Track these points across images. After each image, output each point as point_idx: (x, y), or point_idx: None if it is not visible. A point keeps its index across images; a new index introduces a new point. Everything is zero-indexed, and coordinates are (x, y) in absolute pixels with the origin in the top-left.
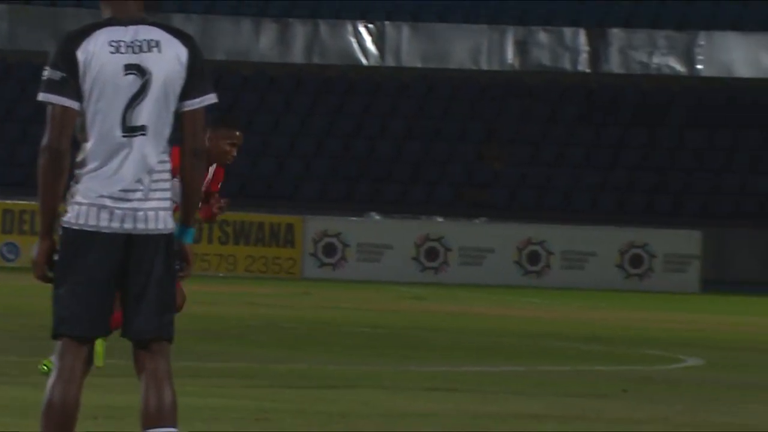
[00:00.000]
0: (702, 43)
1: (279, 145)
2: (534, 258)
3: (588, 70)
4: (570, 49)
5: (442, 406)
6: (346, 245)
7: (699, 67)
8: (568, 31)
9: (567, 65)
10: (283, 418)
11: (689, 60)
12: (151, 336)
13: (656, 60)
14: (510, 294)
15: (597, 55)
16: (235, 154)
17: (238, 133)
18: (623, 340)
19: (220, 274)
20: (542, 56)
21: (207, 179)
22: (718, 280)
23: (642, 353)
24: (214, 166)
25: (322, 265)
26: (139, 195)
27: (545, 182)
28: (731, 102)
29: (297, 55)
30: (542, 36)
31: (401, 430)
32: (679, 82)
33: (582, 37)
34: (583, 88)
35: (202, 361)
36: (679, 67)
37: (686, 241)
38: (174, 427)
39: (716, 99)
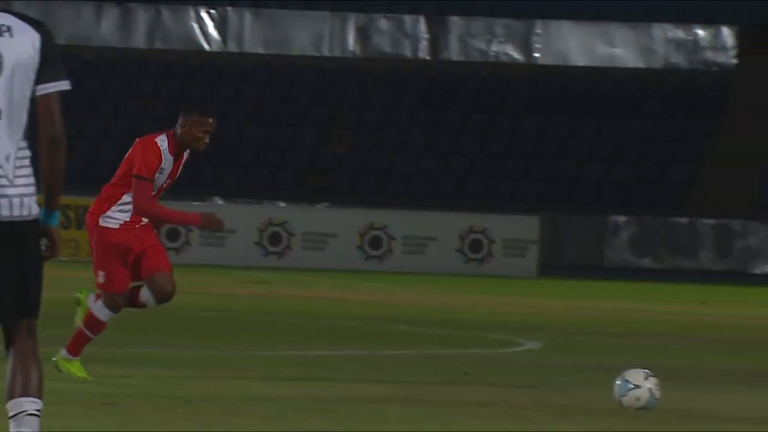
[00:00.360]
0: (539, 31)
1: (121, 130)
2: (376, 243)
3: (428, 58)
4: (410, 36)
5: (287, 390)
6: (189, 230)
7: (536, 55)
8: (408, 19)
9: (407, 52)
10: (128, 402)
11: (526, 48)
12: (18, 317)
13: (494, 48)
14: (353, 278)
15: (437, 42)
16: (207, 140)
17: (211, 120)
18: (464, 323)
19: (63, 259)
20: (383, 43)
21: (184, 161)
22: (554, 265)
23: (482, 337)
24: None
25: (166, 249)
26: (3, 182)
27: (387, 168)
28: (566, 90)
29: (139, 40)
30: (383, 23)
31: (246, 414)
32: (516, 69)
33: (422, 25)
34: (424, 75)
35: (46, 345)
36: (517, 55)
37: (524, 226)
38: (39, 398)
39: (552, 87)
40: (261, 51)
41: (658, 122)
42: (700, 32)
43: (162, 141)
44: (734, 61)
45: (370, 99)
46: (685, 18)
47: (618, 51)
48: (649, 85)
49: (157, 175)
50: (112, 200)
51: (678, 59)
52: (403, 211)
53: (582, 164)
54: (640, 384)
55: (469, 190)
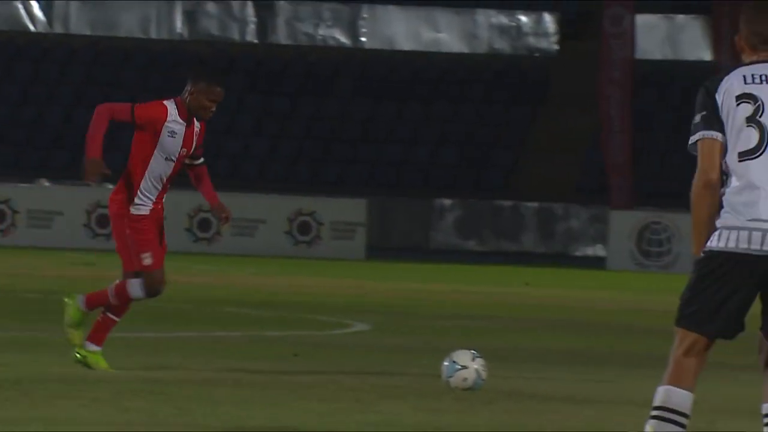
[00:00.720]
0: (365, 16)
1: None
2: (205, 225)
3: (256, 41)
4: (238, 19)
5: (117, 372)
6: (15, 211)
7: (363, 39)
8: (236, 2)
9: (235, 35)
10: None
11: (353, 32)
12: None
13: (322, 32)
14: (182, 261)
15: (264, 26)
16: (213, 110)
17: (219, 89)
18: (293, 305)
19: None
20: (211, 26)
21: (197, 132)
22: (381, 247)
23: (312, 318)
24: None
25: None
26: None
27: (215, 150)
28: (393, 74)
29: None
30: (211, 6)
31: (76, 397)
32: (344, 53)
33: (250, 9)
34: (252, 58)
35: None
36: (344, 39)
37: (352, 209)
38: None
39: (380, 71)
40: (87, 32)
41: (483, 107)
42: (523, 18)
43: (169, 103)
44: (555, 47)
45: None
46: (508, 4)
47: (443, 36)
48: (473, 70)
49: (169, 138)
50: (135, 183)
51: (501, 45)
52: (231, 194)
53: (409, 148)
54: (467, 365)
55: (298, 173)
